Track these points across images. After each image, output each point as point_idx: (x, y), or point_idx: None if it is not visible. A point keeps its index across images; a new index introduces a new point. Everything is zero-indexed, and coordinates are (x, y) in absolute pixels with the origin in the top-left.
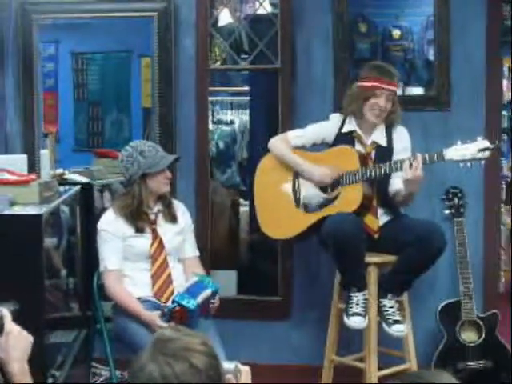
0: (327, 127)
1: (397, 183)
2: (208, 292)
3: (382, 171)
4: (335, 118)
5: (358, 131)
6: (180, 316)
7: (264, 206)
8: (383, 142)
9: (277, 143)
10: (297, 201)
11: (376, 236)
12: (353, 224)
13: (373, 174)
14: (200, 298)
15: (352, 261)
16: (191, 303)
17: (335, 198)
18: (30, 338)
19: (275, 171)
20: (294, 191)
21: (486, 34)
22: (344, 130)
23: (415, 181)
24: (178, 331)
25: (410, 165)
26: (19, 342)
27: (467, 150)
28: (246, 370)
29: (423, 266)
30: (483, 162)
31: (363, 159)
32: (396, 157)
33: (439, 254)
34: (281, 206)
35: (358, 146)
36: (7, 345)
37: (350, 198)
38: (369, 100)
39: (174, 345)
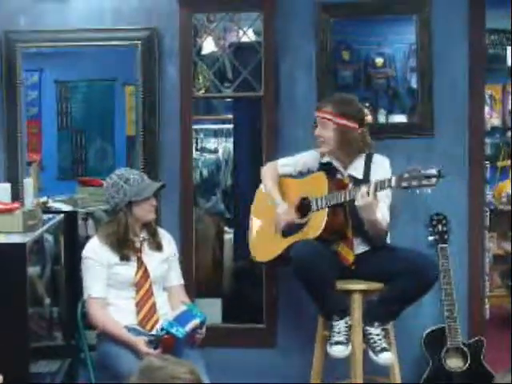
0: (312, 157)
1: None
2: (196, 322)
3: (345, 197)
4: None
5: (334, 163)
6: (167, 344)
7: (254, 228)
8: (359, 175)
9: (266, 171)
10: (276, 226)
11: (353, 267)
12: (313, 250)
13: (336, 200)
14: (188, 327)
15: (319, 288)
16: (180, 331)
17: (305, 223)
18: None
19: (266, 197)
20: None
21: (469, 62)
22: (323, 161)
23: (365, 208)
24: (165, 360)
25: (368, 192)
26: None
27: (415, 178)
28: None
29: (415, 296)
30: (430, 189)
31: (341, 189)
32: None
33: (432, 285)
34: (266, 229)
35: (339, 176)
36: None
37: (314, 224)
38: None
39: (162, 373)
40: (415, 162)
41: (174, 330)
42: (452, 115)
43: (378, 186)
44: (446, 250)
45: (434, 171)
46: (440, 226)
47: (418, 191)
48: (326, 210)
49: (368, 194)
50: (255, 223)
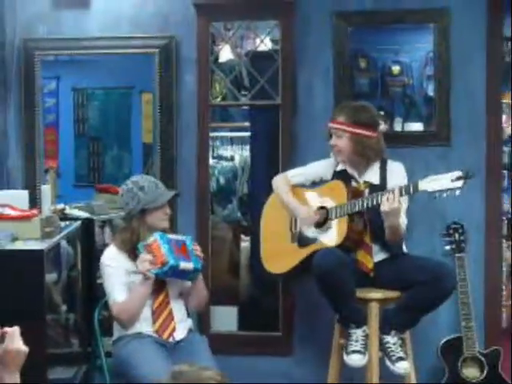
0: (325, 166)
1: None
2: (190, 265)
3: (365, 204)
4: (332, 157)
5: (349, 170)
6: (153, 249)
7: (266, 241)
8: (375, 181)
9: (277, 181)
10: (293, 235)
11: (371, 274)
12: (336, 258)
13: (358, 207)
14: (182, 266)
15: (340, 296)
16: (171, 256)
17: (325, 232)
18: (26, 351)
19: (278, 207)
20: (291, 226)
21: (486, 70)
22: (338, 169)
23: (392, 213)
24: (193, 366)
25: (387, 198)
26: (17, 358)
27: (441, 181)
28: None
29: (432, 305)
30: (458, 192)
31: (358, 196)
32: None
33: (450, 294)
34: (279, 241)
35: (354, 184)
36: (6, 359)
37: (336, 233)
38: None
39: (195, 374)
40: (432, 170)
41: (164, 249)
42: (469, 124)
43: (404, 191)
44: (463, 259)
45: (460, 173)
46: (457, 235)
47: (437, 195)
48: (346, 218)
49: (390, 198)
50: (266, 236)
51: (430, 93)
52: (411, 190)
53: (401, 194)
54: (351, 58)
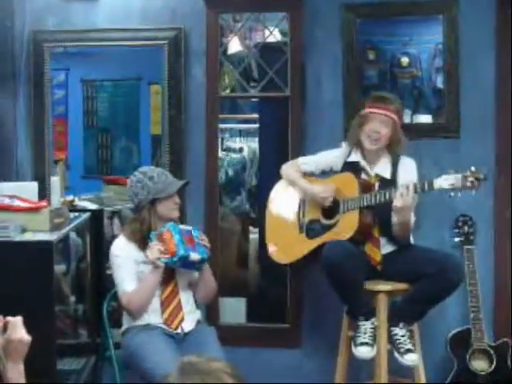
0: (336, 155)
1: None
2: (198, 257)
3: (377, 199)
4: (344, 147)
5: (362, 162)
6: (165, 237)
7: (272, 231)
8: (387, 175)
9: (287, 169)
10: (300, 226)
11: (379, 267)
12: (346, 251)
13: (369, 202)
14: (192, 255)
15: (349, 288)
16: (181, 246)
17: (334, 224)
18: (29, 340)
19: (284, 197)
20: (299, 217)
21: (496, 61)
22: (349, 160)
23: (404, 209)
24: (201, 357)
25: (402, 193)
26: (20, 347)
27: (456, 179)
28: None
29: (440, 297)
30: (474, 191)
31: (368, 189)
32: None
33: (458, 286)
34: (286, 231)
35: (364, 176)
36: (9, 348)
37: (346, 225)
38: (364, 126)
39: (205, 365)
40: (441, 163)
41: (176, 239)
42: (478, 116)
43: (419, 188)
44: (472, 251)
45: (476, 173)
46: (466, 228)
47: (452, 194)
48: (358, 211)
49: (403, 194)
50: (272, 224)
51: (439, 85)
52: (426, 187)
53: (415, 191)
54: (360, 49)
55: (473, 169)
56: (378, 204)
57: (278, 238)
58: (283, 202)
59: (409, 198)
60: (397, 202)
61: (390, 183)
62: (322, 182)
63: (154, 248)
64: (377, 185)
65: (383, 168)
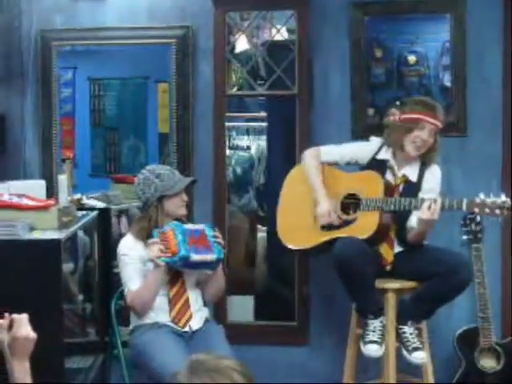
0: (364, 149)
1: (414, 220)
2: (209, 257)
3: (402, 206)
4: (374, 142)
5: (392, 161)
6: (167, 237)
7: (285, 214)
8: (413, 178)
9: (308, 157)
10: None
11: (388, 268)
12: (359, 249)
13: (393, 206)
14: (193, 258)
15: (359, 285)
16: (184, 248)
17: (352, 221)
18: (34, 338)
19: (302, 182)
20: (316, 205)
21: (503, 59)
22: (378, 157)
23: (429, 223)
24: (210, 355)
25: (429, 206)
26: (26, 345)
27: (487, 205)
28: None
29: (449, 296)
30: (500, 218)
31: (390, 190)
32: (421, 195)
33: (467, 285)
34: (300, 217)
35: (389, 176)
36: (15, 346)
37: (365, 224)
38: (411, 132)
39: (214, 363)
40: (449, 160)
41: (178, 239)
42: (486, 114)
43: (446, 206)
44: (480, 249)
45: (509, 202)
46: (473, 226)
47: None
48: (379, 212)
49: (432, 209)
50: (286, 209)
51: (447, 83)
52: (455, 206)
53: (442, 208)
54: (367, 47)
55: (503, 198)
56: (398, 209)
57: (290, 221)
58: (300, 187)
59: (436, 214)
60: (422, 215)
61: (414, 186)
62: (345, 177)
63: (154, 246)
64: (401, 186)
65: (411, 171)
